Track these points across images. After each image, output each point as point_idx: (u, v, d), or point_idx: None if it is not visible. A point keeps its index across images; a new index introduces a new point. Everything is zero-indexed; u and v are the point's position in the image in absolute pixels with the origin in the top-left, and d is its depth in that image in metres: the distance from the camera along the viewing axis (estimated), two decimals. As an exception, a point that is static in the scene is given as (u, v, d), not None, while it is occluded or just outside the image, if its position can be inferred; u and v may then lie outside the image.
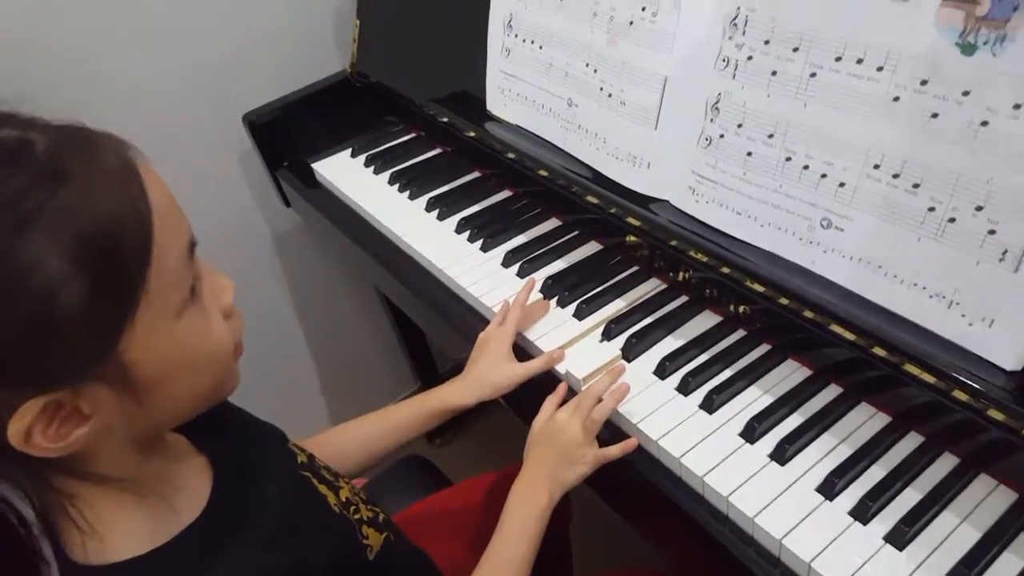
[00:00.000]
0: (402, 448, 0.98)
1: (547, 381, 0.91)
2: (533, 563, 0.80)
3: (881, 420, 0.80)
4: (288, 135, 1.43)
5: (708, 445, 0.80)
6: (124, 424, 0.54)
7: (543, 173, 1.09)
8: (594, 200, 1.01)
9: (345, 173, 1.36)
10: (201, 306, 0.56)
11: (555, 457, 0.83)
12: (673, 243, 0.92)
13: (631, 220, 0.97)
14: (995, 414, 0.68)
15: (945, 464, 0.75)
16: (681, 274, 0.98)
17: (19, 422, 0.48)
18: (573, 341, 0.95)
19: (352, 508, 0.77)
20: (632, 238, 1.03)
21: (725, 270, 0.87)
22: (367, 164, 1.36)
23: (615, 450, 0.82)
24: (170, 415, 0.59)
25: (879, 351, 0.75)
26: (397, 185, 1.29)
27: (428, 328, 1.27)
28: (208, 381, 0.59)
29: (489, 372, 0.93)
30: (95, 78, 1.25)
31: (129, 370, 0.51)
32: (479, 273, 1.09)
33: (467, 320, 1.05)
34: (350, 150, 1.41)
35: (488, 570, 0.79)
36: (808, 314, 0.80)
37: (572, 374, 0.90)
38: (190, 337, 0.55)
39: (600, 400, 0.84)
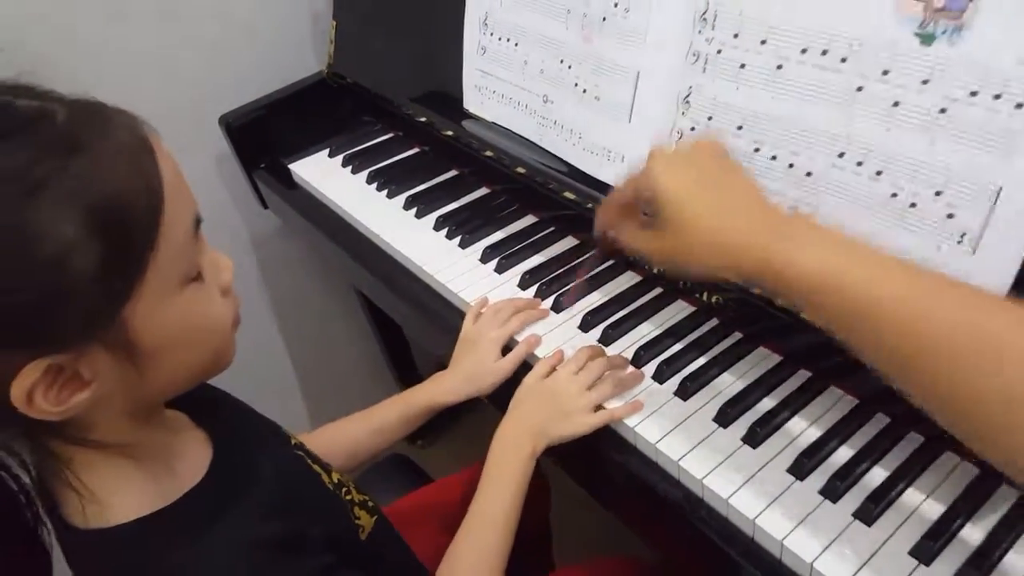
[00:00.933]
0: (382, 453, 0.99)
1: (520, 373, 0.92)
2: (519, 516, 0.81)
3: (849, 403, 0.82)
4: (265, 136, 1.43)
5: (684, 430, 0.81)
6: (123, 392, 0.56)
7: (520, 170, 1.10)
8: (571, 196, 1.03)
9: (323, 173, 1.37)
10: (203, 282, 0.58)
11: (547, 411, 0.84)
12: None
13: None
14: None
15: (910, 443, 0.77)
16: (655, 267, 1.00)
17: (21, 383, 0.49)
18: (551, 331, 0.96)
19: (344, 490, 0.79)
20: (607, 232, 1.05)
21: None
22: (345, 164, 1.37)
23: (623, 410, 0.82)
24: (168, 385, 0.61)
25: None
26: (375, 184, 1.30)
27: (408, 325, 1.28)
28: (206, 353, 0.61)
29: (479, 370, 0.93)
30: (70, 79, 1.25)
31: (131, 338, 0.53)
32: (458, 269, 1.10)
33: (446, 316, 1.06)
34: (328, 150, 1.42)
35: (475, 523, 0.80)
36: (779, 302, 0.82)
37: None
38: (191, 310, 0.57)
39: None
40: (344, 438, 0.94)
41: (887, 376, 0.56)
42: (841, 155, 0.73)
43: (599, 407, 0.84)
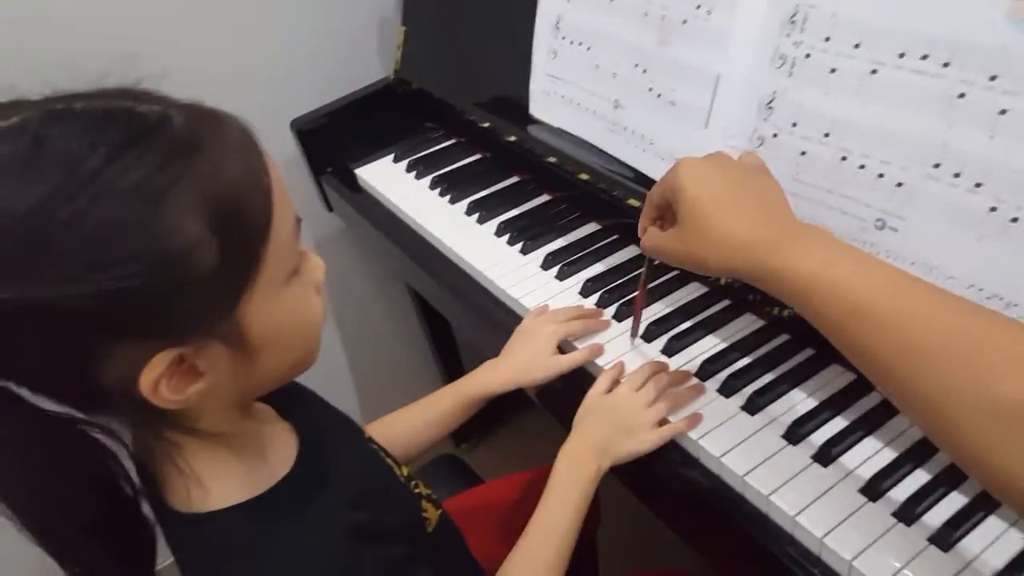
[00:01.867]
0: (435, 445, 0.99)
1: (576, 379, 0.92)
2: (577, 534, 0.80)
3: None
4: (332, 141, 1.45)
5: (750, 446, 0.78)
6: (231, 384, 0.58)
7: (584, 176, 1.09)
8: (636, 203, 1.01)
9: (387, 178, 1.37)
10: (302, 280, 0.61)
11: (612, 428, 0.83)
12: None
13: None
14: None
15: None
16: (722, 278, 0.97)
17: (150, 373, 0.51)
18: (613, 340, 0.94)
19: (413, 483, 0.81)
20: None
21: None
22: (409, 169, 1.37)
23: (685, 423, 0.81)
24: (270, 378, 0.63)
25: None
26: (438, 190, 1.30)
27: (465, 328, 1.27)
28: (302, 349, 0.64)
29: (533, 362, 0.93)
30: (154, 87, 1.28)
31: (244, 332, 0.56)
32: (519, 275, 1.09)
33: (505, 321, 1.04)
34: (392, 156, 1.42)
35: (534, 538, 0.79)
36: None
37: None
38: (294, 306, 0.60)
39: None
40: (400, 430, 0.95)
41: (873, 379, 0.58)
42: (937, 165, 0.70)
43: (663, 422, 0.82)
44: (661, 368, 0.88)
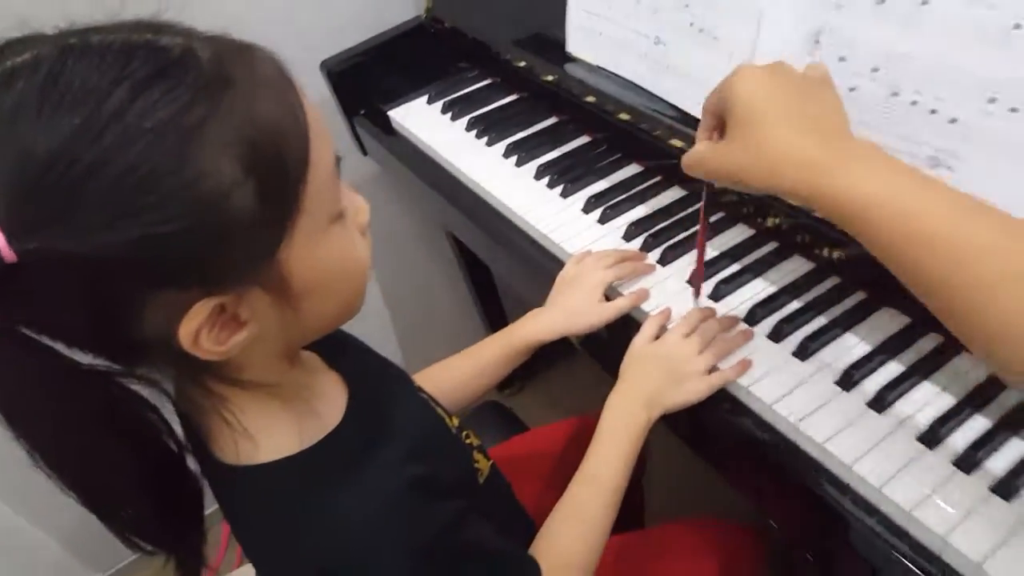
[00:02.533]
0: (484, 394, 0.98)
1: (621, 325, 0.90)
2: (627, 484, 0.80)
3: (986, 369, 0.76)
4: (364, 82, 1.42)
5: (803, 393, 0.77)
6: (276, 332, 0.57)
7: (624, 116, 1.06)
8: (679, 143, 0.98)
9: (422, 120, 1.35)
10: (345, 222, 0.58)
11: (661, 377, 0.81)
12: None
13: (719, 163, 0.94)
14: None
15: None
16: (770, 220, 0.95)
17: (189, 324, 0.50)
18: (657, 285, 0.93)
19: (464, 433, 0.80)
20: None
21: (818, 213, 0.83)
22: (444, 111, 1.35)
23: (735, 370, 0.80)
24: (316, 326, 0.62)
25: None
26: (474, 131, 1.28)
27: (506, 273, 1.26)
28: (349, 293, 0.61)
29: (581, 310, 0.91)
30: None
31: (286, 278, 0.53)
32: (560, 219, 1.07)
33: (546, 265, 1.03)
34: (426, 97, 1.39)
35: (584, 486, 0.79)
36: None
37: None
38: (338, 249, 0.57)
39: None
40: (449, 379, 0.94)
41: (933, 308, 0.57)
42: (992, 100, 0.67)
43: (712, 370, 0.81)
44: (709, 314, 0.86)
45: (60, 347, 0.50)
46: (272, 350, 0.59)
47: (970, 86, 0.68)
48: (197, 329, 0.50)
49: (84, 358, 0.52)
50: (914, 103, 0.72)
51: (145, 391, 0.56)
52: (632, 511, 1.20)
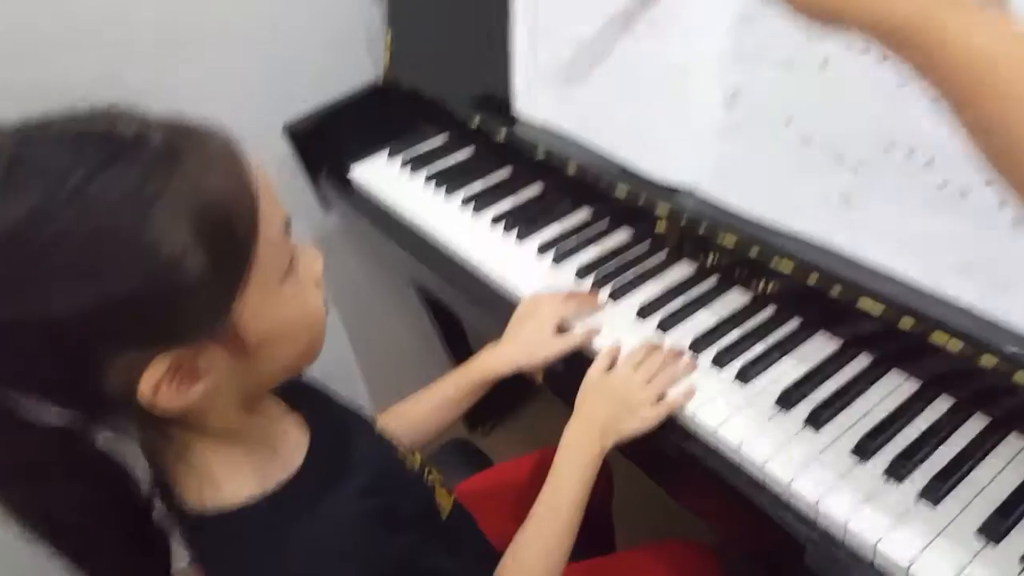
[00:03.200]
0: (447, 430, 1.02)
1: (578, 361, 0.94)
2: (583, 512, 0.83)
3: (912, 385, 0.82)
4: (326, 142, 1.48)
5: (745, 415, 0.82)
6: (233, 382, 0.60)
7: (572, 168, 1.12)
8: (624, 190, 1.04)
9: (383, 176, 1.41)
10: (297, 276, 0.62)
11: (613, 407, 0.86)
12: (701, 229, 0.95)
13: (660, 208, 1.00)
14: (1020, 377, 0.70)
15: (976, 424, 0.77)
16: (711, 256, 1.01)
17: (149, 379, 0.53)
18: (609, 322, 0.98)
19: (426, 470, 0.83)
20: (662, 223, 1.06)
21: (753, 252, 0.89)
22: (404, 166, 1.41)
23: (681, 397, 0.84)
24: (272, 374, 0.65)
25: (907, 321, 0.77)
26: (433, 184, 1.33)
27: (469, 317, 1.31)
28: (305, 343, 0.65)
29: (535, 343, 0.96)
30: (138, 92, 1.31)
31: (241, 331, 0.57)
32: (515, 264, 1.12)
33: (505, 309, 1.07)
34: (386, 153, 1.45)
35: (541, 517, 0.82)
36: (836, 289, 0.83)
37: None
38: (291, 302, 0.61)
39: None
40: (410, 418, 0.98)
41: None
42: (891, 145, 0.74)
43: (661, 399, 0.85)
44: (657, 346, 0.91)
45: (26, 401, 0.53)
46: (232, 399, 0.62)
47: (871, 134, 0.75)
48: (156, 384, 0.54)
49: (52, 411, 0.55)
50: (824, 149, 0.78)
51: (112, 444, 0.59)
52: (602, 537, 1.24)
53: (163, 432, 0.60)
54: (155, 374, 0.53)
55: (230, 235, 0.55)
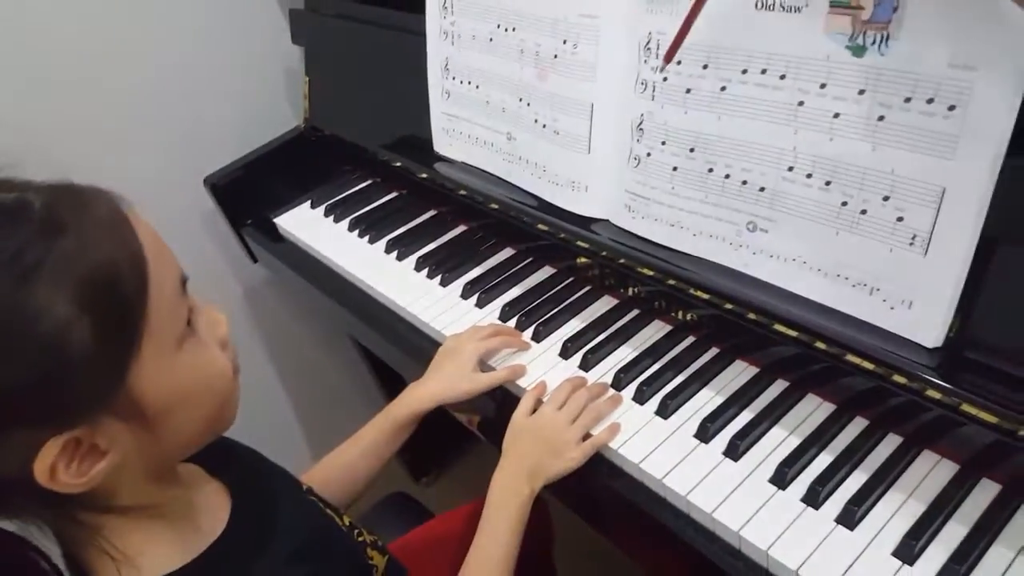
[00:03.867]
0: (383, 484, 1.00)
1: (510, 404, 0.93)
2: (517, 555, 0.82)
3: (827, 409, 0.83)
4: (249, 193, 1.47)
5: (666, 449, 0.83)
6: (139, 456, 0.57)
7: (494, 206, 1.13)
8: (543, 227, 1.05)
9: (306, 224, 1.40)
10: (198, 338, 0.60)
11: (539, 450, 0.85)
12: (620, 261, 0.96)
13: (579, 243, 1.01)
14: (932, 393, 0.71)
15: (890, 444, 0.78)
16: (631, 289, 1.02)
17: (43, 461, 0.51)
18: (533, 360, 0.98)
19: (356, 531, 0.82)
20: (583, 259, 1.07)
21: (670, 282, 0.91)
22: (327, 214, 1.40)
23: (604, 435, 0.84)
24: (181, 443, 0.62)
25: (820, 345, 0.78)
26: (357, 231, 1.33)
27: (398, 365, 1.30)
28: (212, 408, 0.62)
29: (456, 377, 0.96)
30: (54, 160, 1.28)
31: (139, 403, 0.55)
32: (440, 307, 1.12)
33: (432, 354, 1.07)
34: (310, 202, 1.45)
35: (475, 566, 0.81)
36: (751, 316, 0.84)
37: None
38: (192, 367, 0.59)
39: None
40: (340, 467, 0.96)
41: None
42: (790, 168, 0.75)
43: (587, 437, 0.86)
44: (580, 384, 0.91)
45: None
46: (140, 473, 0.59)
47: (771, 158, 0.76)
48: (52, 465, 0.51)
49: None
50: (727, 176, 0.80)
51: (23, 530, 0.57)
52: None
53: (70, 516, 0.57)
54: (49, 456, 0.51)
55: (118, 304, 0.52)
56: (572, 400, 0.88)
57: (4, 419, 0.49)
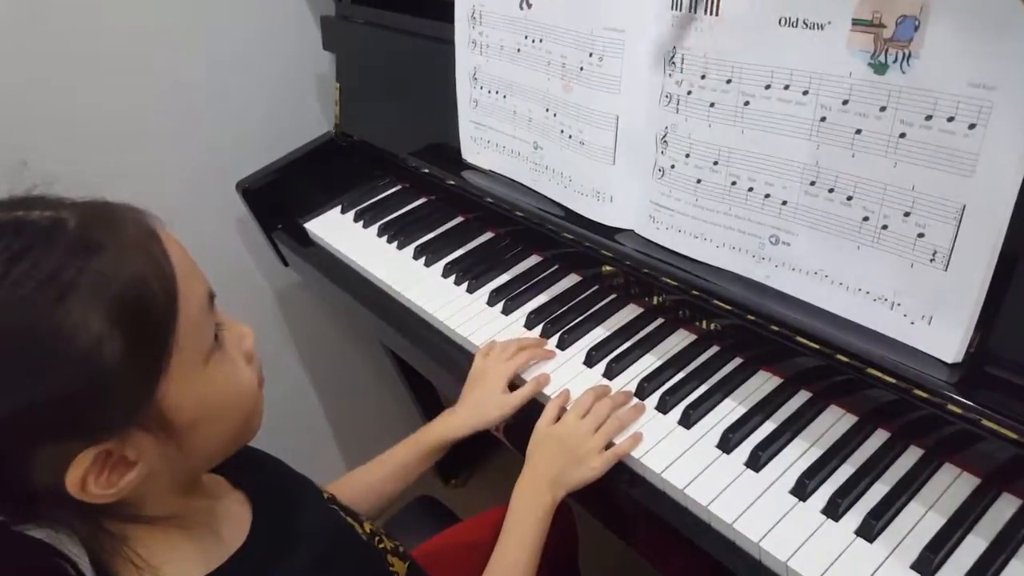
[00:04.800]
0: (411, 487, 1.02)
1: (536, 414, 0.94)
2: (538, 562, 0.84)
3: (849, 421, 0.83)
4: (280, 198, 1.49)
5: (688, 458, 0.83)
6: (167, 467, 0.59)
7: (520, 214, 1.14)
8: (569, 236, 1.06)
9: (336, 229, 1.42)
10: (225, 352, 0.62)
11: (562, 459, 0.86)
12: (644, 270, 0.97)
13: (604, 252, 1.02)
14: (953, 408, 0.71)
15: (911, 457, 0.78)
16: (655, 298, 1.03)
17: (75, 472, 0.52)
18: (558, 369, 0.99)
19: (377, 539, 0.83)
20: (607, 268, 1.08)
21: (694, 292, 0.92)
22: (356, 219, 1.42)
23: (627, 445, 0.85)
24: (207, 455, 0.64)
25: (842, 357, 0.79)
26: (385, 237, 1.35)
27: (424, 369, 1.32)
28: (239, 420, 0.64)
29: (486, 404, 0.97)
30: (91, 160, 1.32)
31: (167, 416, 0.56)
32: (466, 314, 1.13)
33: (459, 360, 1.09)
34: (339, 207, 1.47)
35: (496, 573, 0.83)
36: (773, 327, 0.85)
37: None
38: (219, 381, 0.61)
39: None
40: (366, 484, 0.97)
41: None
42: (812, 183, 0.76)
43: (609, 445, 0.87)
44: (603, 392, 0.92)
45: None
46: (167, 484, 0.61)
47: (793, 172, 0.77)
48: (83, 477, 0.53)
49: None
50: (750, 189, 0.81)
51: (50, 537, 0.58)
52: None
53: (98, 524, 0.59)
54: (81, 467, 0.52)
55: (148, 320, 0.54)
56: (595, 409, 0.89)
57: (39, 432, 0.51)
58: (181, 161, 1.44)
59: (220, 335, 0.62)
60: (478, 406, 0.98)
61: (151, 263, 0.55)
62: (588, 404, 0.90)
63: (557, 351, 1.02)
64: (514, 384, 1.00)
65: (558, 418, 0.91)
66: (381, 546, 0.83)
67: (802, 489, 0.77)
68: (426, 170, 1.33)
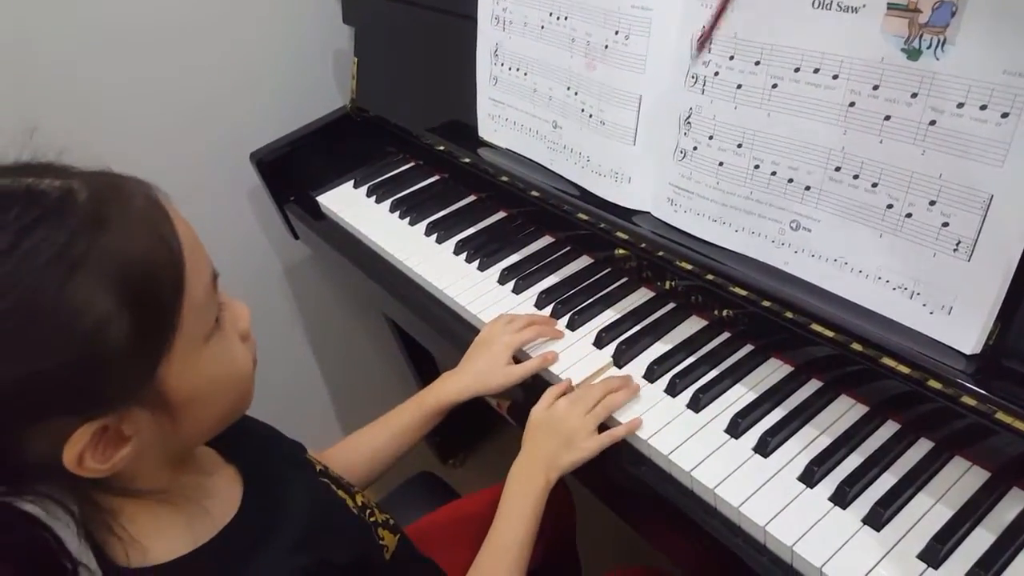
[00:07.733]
0: (409, 462, 1.02)
1: (540, 394, 0.94)
2: (532, 544, 0.84)
3: (859, 411, 0.83)
4: (293, 170, 1.49)
5: (696, 442, 0.83)
6: (160, 443, 0.59)
7: (535, 194, 1.14)
8: (583, 216, 1.06)
9: (348, 204, 1.42)
10: (223, 332, 0.62)
11: (555, 443, 0.87)
12: (659, 254, 0.97)
13: (619, 234, 1.02)
14: (967, 400, 0.71)
15: (921, 448, 0.78)
16: (668, 282, 1.02)
17: (73, 447, 0.52)
18: (566, 349, 0.99)
19: (368, 511, 0.83)
20: (621, 250, 1.07)
21: (709, 277, 0.91)
22: (369, 194, 1.42)
23: (621, 430, 0.85)
24: (200, 432, 0.65)
25: (857, 346, 0.78)
26: (398, 212, 1.34)
27: (432, 347, 1.31)
28: (232, 399, 0.65)
29: (489, 371, 0.97)
30: (106, 128, 1.32)
31: (165, 394, 0.57)
32: (477, 291, 1.13)
33: (466, 337, 1.09)
34: (352, 181, 1.46)
35: (490, 553, 0.83)
36: (788, 315, 0.84)
37: (565, 378, 0.94)
38: (217, 360, 0.61)
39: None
40: (364, 447, 0.98)
41: None
42: (838, 168, 0.75)
43: (604, 428, 0.87)
44: (596, 378, 0.92)
45: None
46: (159, 459, 0.62)
47: (818, 157, 0.77)
48: (80, 452, 0.53)
49: None
50: (773, 173, 0.80)
51: (37, 509, 0.58)
52: (567, 565, 1.24)
53: (88, 498, 0.59)
54: (79, 443, 0.52)
55: (155, 299, 0.54)
56: (587, 393, 0.89)
57: (42, 407, 0.51)
58: (196, 130, 1.44)
59: (220, 316, 0.62)
60: (481, 373, 0.97)
61: (160, 241, 0.55)
62: (582, 390, 0.90)
63: (567, 331, 1.02)
64: (517, 359, 0.99)
65: None
66: (372, 519, 0.83)
67: (810, 476, 0.77)
68: (441, 147, 1.32)
